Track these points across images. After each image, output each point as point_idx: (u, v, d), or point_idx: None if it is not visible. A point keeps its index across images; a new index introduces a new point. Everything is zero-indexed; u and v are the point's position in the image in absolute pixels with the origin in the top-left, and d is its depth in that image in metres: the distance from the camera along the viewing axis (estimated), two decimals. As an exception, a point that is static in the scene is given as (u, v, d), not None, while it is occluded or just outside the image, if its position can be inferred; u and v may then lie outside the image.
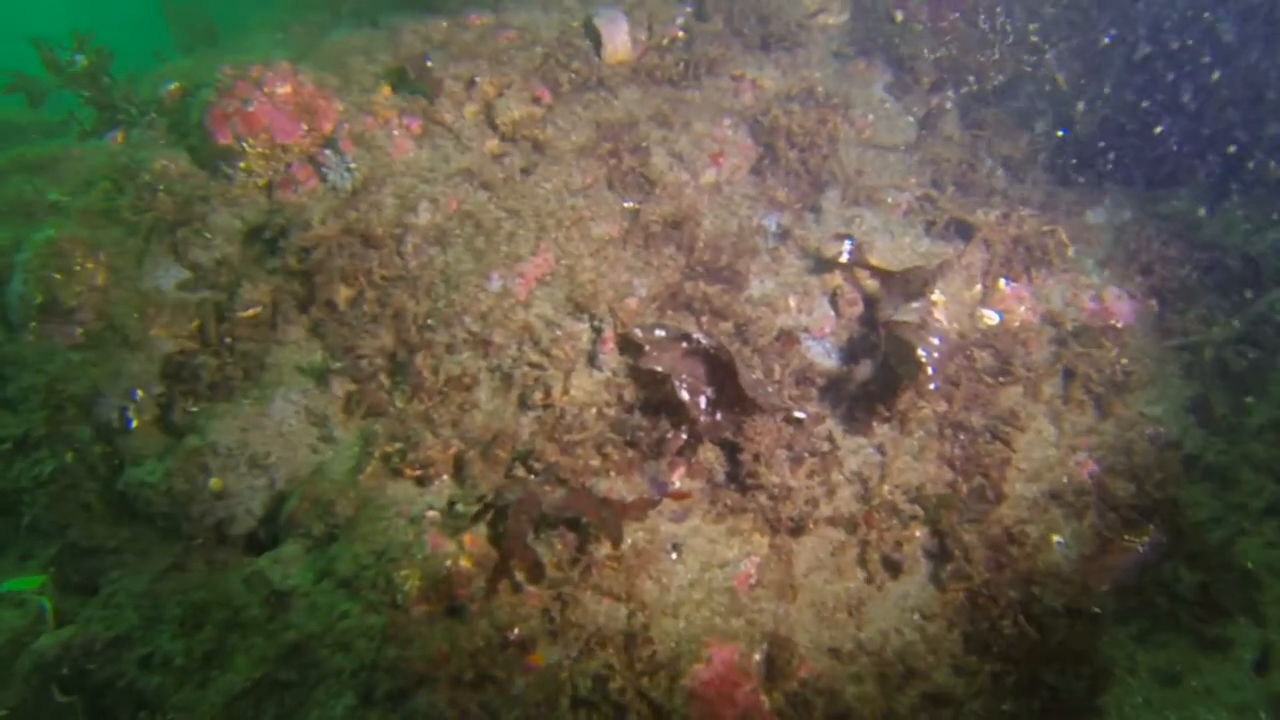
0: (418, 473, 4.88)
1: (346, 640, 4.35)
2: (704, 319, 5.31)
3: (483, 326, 5.20)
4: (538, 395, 5.00)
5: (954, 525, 5.15)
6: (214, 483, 5.09)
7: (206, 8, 11.58)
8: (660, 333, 4.99)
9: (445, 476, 4.92)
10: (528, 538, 4.42)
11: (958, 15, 7.49)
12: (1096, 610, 5.24)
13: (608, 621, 4.54)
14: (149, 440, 5.30)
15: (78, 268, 5.44)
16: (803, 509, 4.95)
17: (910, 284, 5.57)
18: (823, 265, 5.74)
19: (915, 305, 5.60)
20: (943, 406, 5.44)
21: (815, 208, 6.13)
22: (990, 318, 5.90)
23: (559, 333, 5.17)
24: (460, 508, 4.65)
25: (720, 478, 5.03)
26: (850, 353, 5.55)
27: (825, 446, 5.12)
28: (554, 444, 4.83)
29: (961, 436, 5.43)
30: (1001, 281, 5.99)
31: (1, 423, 5.31)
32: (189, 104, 6.34)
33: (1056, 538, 5.41)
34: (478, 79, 6.19)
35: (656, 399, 4.99)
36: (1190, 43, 6.82)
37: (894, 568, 5.12)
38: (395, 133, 5.93)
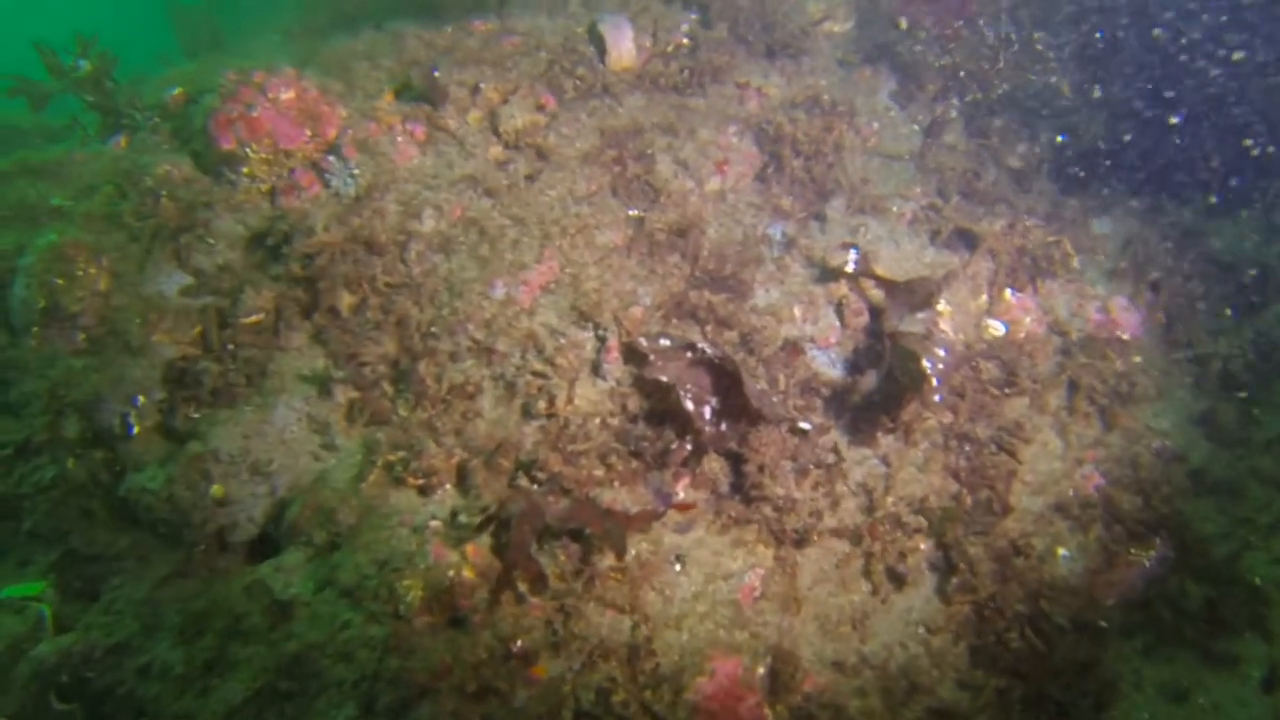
0: (420, 482, 4.84)
1: (348, 650, 4.32)
2: (709, 328, 5.29)
3: (486, 334, 5.17)
4: (541, 404, 4.97)
5: (959, 538, 5.12)
6: (215, 489, 5.06)
7: (212, 13, 11.59)
8: (665, 342, 4.97)
9: (448, 486, 4.89)
10: (531, 548, 4.39)
11: (962, 23, 7.48)
12: (1103, 624, 5.22)
13: (611, 634, 4.51)
14: (150, 446, 5.27)
15: (80, 273, 5.42)
16: (807, 521, 4.92)
17: (916, 294, 5.54)
18: (828, 275, 5.71)
19: (921, 316, 5.58)
20: (948, 418, 5.42)
21: (820, 216, 6.11)
22: (996, 328, 5.88)
23: (563, 341, 5.14)
24: (463, 518, 4.62)
25: (725, 489, 5.01)
26: (855, 363, 5.53)
27: (830, 458, 5.09)
28: (558, 454, 4.80)
29: (967, 448, 5.40)
30: (1007, 292, 5.97)
31: (3, 428, 5.29)
32: (193, 109, 6.33)
33: (1062, 551, 5.39)
34: (482, 85, 6.17)
35: (661, 409, 4.97)
36: (1198, 59, 6.79)
37: (898, 580, 5.09)
38: (399, 139, 5.91)
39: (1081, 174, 7.00)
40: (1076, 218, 6.69)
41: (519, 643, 4.37)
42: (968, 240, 6.07)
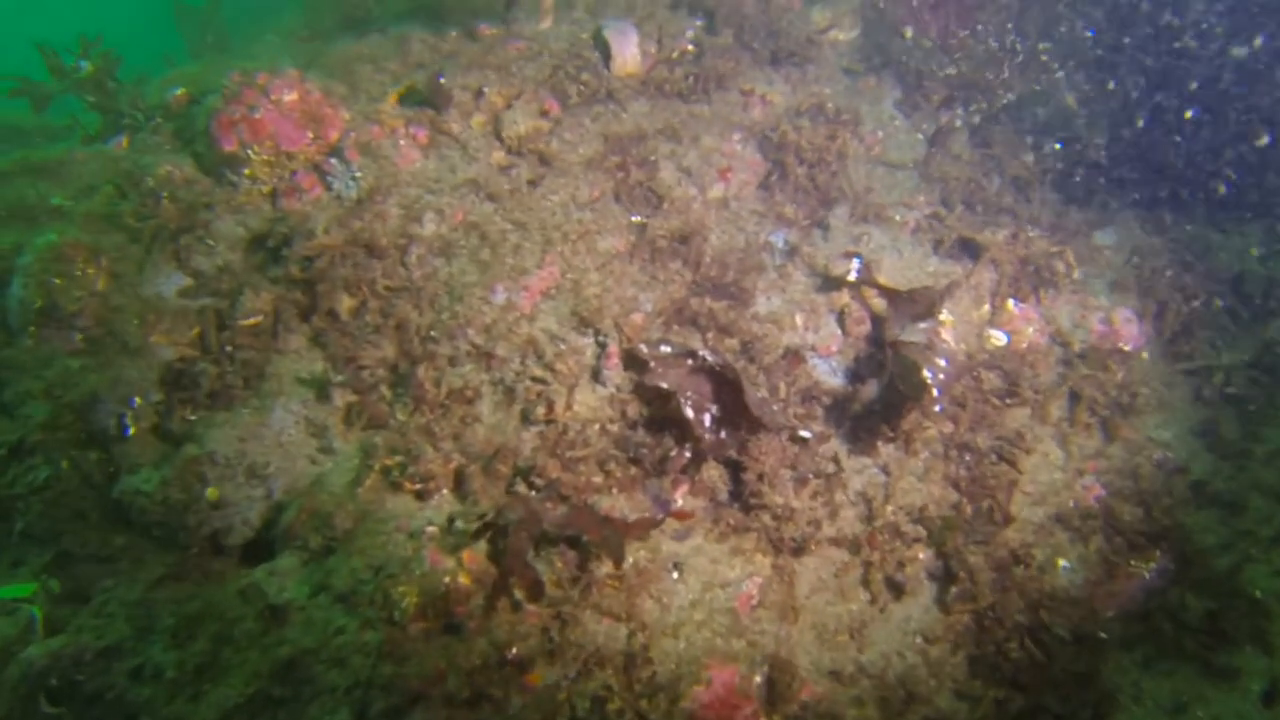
0: (418, 487, 4.82)
1: (342, 656, 4.29)
2: (710, 335, 5.27)
3: (486, 339, 5.15)
4: (540, 410, 4.95)
5: (959, 547, 5.09)
6: (211, 492, 5.04)
7: (217, 14, 11.60)
8: (666, 349, 4.94)
9: (445, 491, 4.86)
10: (528, 555, 4.36)
11: (967, 33, 7.47)
12: (1102, 636, 5.19)
13: (607, 641, 4.48)
14: (146, 448, 5.25)
15: (79, 273, 5.40)
16: (805, 530, 4.90)
17: (918, 304, 5.52)
18: (830, 283, 5.69)
19: (923, 325, 5.55)
20: (949, 427, 5.39)
21: (823, 225, 6.09)
22: (998, 338, 5.86)
23: (563, 347, 5.12)
24: (460, 524, 4.59)
25: (723, 496, 4.98)
26: (856, 372, 5.50)
27: (830, 467, 5.07)
28: (556, 460, 4.77)
29: (967, 458, 5.38)
30: (1010, 302, 5.94)
31: (-3, 428, 5.26)
32: (195, 110, 6.31)
33: (1062, 562, 5.36)
34: (486, 89, 6.16)
35: (660, 416, 4.94)
36: (1205, 77, 6.78)
37: (897, 590, 5.06)
38: (402, 142, 5.90)
39: (1085, 184, 6.98)
40: (1080, 228, 6.68)
41: (514, 650, 4.34)
42: (971, 250, 6.04)
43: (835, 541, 5.06)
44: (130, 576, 5.00)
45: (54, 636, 4.71)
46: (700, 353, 4.83)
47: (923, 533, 5.13)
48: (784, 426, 4.96)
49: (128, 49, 7.77)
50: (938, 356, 4.93)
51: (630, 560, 4.63)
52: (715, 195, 6.16)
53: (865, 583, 5.04)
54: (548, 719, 4.25)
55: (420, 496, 4.84)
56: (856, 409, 5.28)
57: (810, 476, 4.99)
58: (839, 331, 5.61)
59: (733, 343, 5.25)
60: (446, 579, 4.41)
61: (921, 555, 5.15)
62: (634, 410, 4.97)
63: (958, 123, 7.16)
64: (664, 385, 4.80)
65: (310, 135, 5.78)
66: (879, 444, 5.29)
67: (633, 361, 5.06)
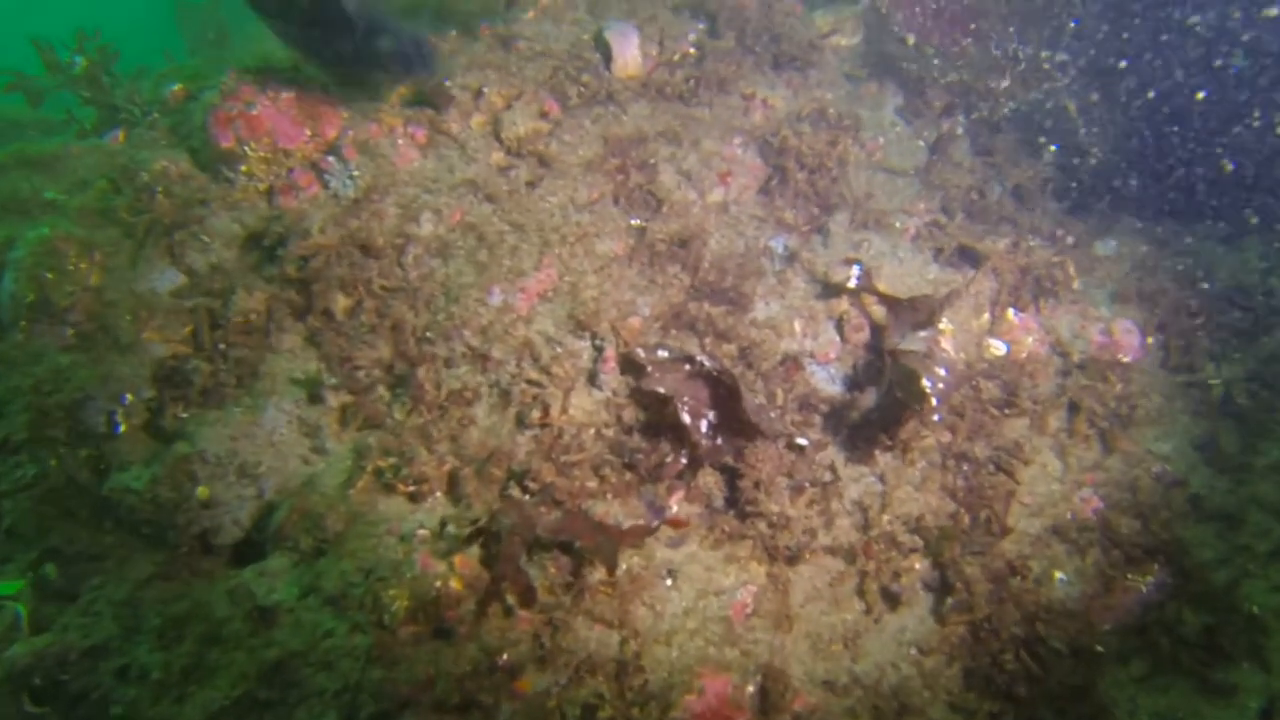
0: (410, 489, 4.77)
1: (330, 660, 4.23)
2: (707, 341, 5.22)
3: (482, 341, 5.10)
4: (535, 414, 4.90)
5: (956, 557, 5.05)
6: (201, 491, 4.98)
7: (217, 9, 11.57)
8: (663, 353, 4.91)
9: (438, 494, 4.81)
10: (520, 560, 4.32)
11: (969, 40, 7.44)
12: (1099, 649, 5.14)
13: (599, 648, 4.44)
14: (136, 446, 5.19)
15: (71, 267, 5.35)
16: (801, 538, 4.86)
17: (918, 312, 5.49)
18: (829, 290, 5.66)
19: (923, 334, 5.52)
20: (947, 437, 5.36)
21: (823, 230, 6.05)
22: (997, 348, 5.82)
23: (559, 350, 5.08)
24: (452, 528, 4.55)
25: (719, 503, 4.94)
26: (855, 380, 5.47)
27: (827, 475, 5.03)
28: (550, 464, 4.73)
29: (965, 468, 5.34)
30: (1010, 311, 5.91)
31: (-15, 423, 5.20)
32: (192, 105, 6.26)
33: (1059, 574, 5.32)
34: (485, 89, 6.11)
35: (656, 421, 4.90)
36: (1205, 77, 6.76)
37: (892, 600, 5.02)
38: (400, 141, 5.85)
39: (1087, 194, 6.96)
40: (1080, 238, 6.65)
41: (505, 656, 4.29)
42: (971, 258, 6.01)
43: (831, 550, 5.02)
44: (118, 575, 4.93)
45: (39, 635, 4.65)
46: (698, 358, 4.79)
47: (919, 543, 5.10)
48: (781, 434, 4.92)
49: (128, 45, 7.73)
50: (937, 365, 4.89)
51: (624, 567, 4.58)
52: (715, 199, 6.12)
53: (860, 592, 5.00)
54: (538, 726, 4.20)
55: (413, 499, 4.79)
56: (854, 417, 5.24)
57: (807, 485, 4.95)
58: (838, 339, 5.58)
59: (731, 348, 5.21)
60: (438, 583, 4.36)
61: (917, 565, 5.11)
62: (630, 415, 4.92)
63: (959, 130, 7.13)
64: (661, 390, 4.76)
65: (308, 133, 5.73)
66: (876, 453, 5.25)
67: (629, 366, 5.02)
